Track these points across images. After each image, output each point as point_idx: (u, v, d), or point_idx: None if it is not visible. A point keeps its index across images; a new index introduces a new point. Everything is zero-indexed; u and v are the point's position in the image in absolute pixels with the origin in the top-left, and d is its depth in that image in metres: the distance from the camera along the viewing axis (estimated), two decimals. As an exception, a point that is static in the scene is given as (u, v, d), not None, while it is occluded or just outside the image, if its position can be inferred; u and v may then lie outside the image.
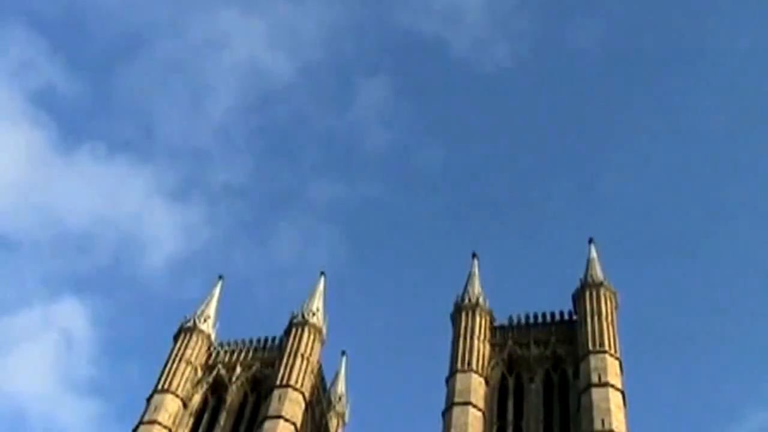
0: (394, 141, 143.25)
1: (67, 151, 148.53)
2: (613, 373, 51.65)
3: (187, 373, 58.79)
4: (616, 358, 52.94)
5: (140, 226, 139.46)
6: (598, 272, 59.23)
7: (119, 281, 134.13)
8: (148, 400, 56.44)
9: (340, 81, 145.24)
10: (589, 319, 55.33)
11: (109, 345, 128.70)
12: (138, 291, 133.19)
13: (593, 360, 52.22)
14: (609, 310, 56.35)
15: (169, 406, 55.90)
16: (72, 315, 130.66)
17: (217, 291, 66.00)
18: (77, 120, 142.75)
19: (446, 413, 51.93)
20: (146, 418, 54.93)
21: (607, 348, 53.06)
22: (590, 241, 62.74)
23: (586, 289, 57.73)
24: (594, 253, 61.15)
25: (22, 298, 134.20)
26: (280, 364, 57.48)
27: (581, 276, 59.28)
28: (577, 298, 57.87)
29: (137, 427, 54.58)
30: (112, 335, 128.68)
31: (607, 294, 57.48)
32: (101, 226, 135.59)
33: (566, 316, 58.66)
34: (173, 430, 55.15)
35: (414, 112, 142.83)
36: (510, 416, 53.18)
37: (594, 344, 53.27)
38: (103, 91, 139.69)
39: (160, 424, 54.48)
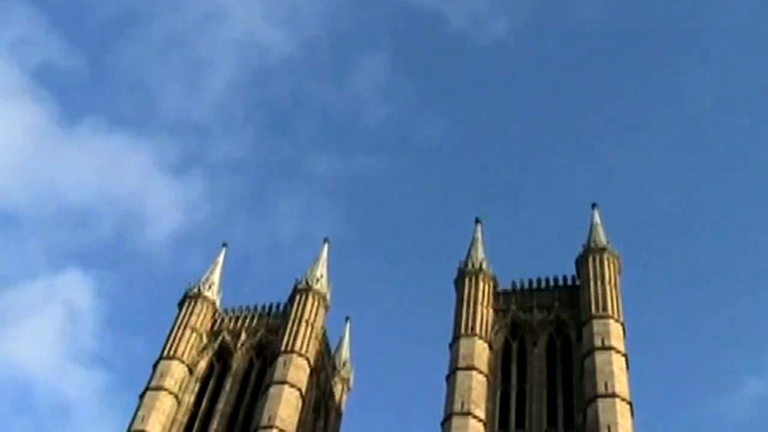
0: (393, 115, 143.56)
1: (67, 126, 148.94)
2: (615, 336, 51.89)
3: (192, 339, 59.16)
4: (619, 322, 53.16)
5: (141, 200, 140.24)
6: (602, 237, 59.31)
7: (121, 254, 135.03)
8: (155, 366, 56.89)
9: (339, 55, 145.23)
10: (592, 284, 55.49)
11: (113, 317, 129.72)
12: (140, 264, 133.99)
13: (596, 324, 52.45)
14: (612, 275, 56.47)
15: (175, 372, 56.35)
16: (76, 288, 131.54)
17: (221, 258, 66.18)
18: (77, 95, 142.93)
19: (450, 378, 52.27)
20: (153, 383, 55.40)
21: (610, 312, 53.27)
22: (593, 206, 62.77)
23: (589, 254, 57.84)
24: (597, 218, 61.17)
25: (26, 272, 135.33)
26: (284, 331, 57.79)
27: (584, 241, 59.37)
28: (581, 263, 57.98)
29: (144, 392, 55.07)
30: (115, 308, 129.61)
31: (610, 259, 57.57)
32: (103, 200, 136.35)
33: (569, 281, 58.82)
34: (179, 395, 55.65)
35: (413, 86, 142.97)
36: (513, 380, 53.52)
37: (597, 308, 53.47)
38: (103, 66, 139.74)
39: (166, 389, 54.96)
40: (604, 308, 53.55)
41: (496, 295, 58.54)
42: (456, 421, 48.97)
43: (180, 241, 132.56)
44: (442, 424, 49.69)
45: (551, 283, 59.17)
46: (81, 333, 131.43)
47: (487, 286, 58.21)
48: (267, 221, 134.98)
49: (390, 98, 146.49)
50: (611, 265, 57.11)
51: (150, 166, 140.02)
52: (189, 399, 56.34)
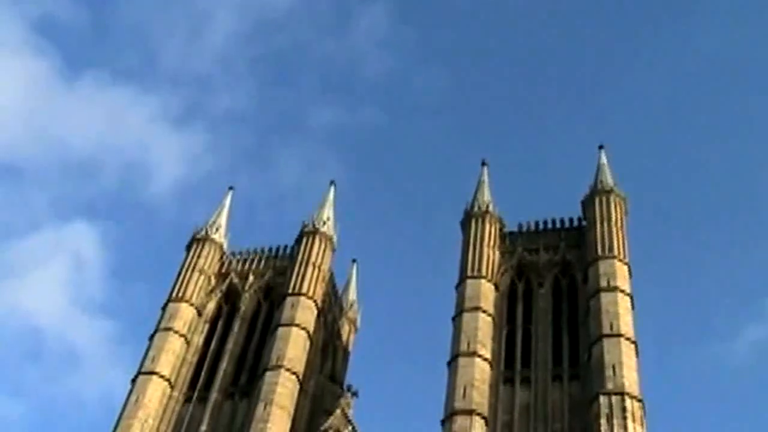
0: (395, 65, 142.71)
1: (70, 79, 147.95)
2: (621, 277, 52.13)
3: (200, 282, 59.59)
4: (625, 263, 53.34)
5: (145, 152, 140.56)
6: (608, 178, 59.21)
7: (126, 206, 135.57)
8: (163, 308, 57.42)
9: (340, 7, 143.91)
10: (598, 225, 55.55)
11: (119, 267, 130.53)
12: (145, 215, 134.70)
13: (602, 265, 52.64)
14: (618, 216, 56.50)
15: (184, 314, 56.89)
16: (81, 238, 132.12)
17: (227, 202, 66.31)
18: (79, 48, 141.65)
19: (456, 319, 52.68)
20: (162, 325, 55.99)
21: (616, 253, 53.40)
22: (600, 147, 62.57)
23: (595, 195, 57.80)
24: (604, 159, 60.99)
25: (32, 223, 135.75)
26: (292, 273, 58.15)
27: (591, 182, 59.31)
28: (587, 204, 57.99)
29: (153, 334, 55.69)
30: (121, 257, 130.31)
31: (617, 200, 57.54)
32: (106, 152, 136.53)
33: (575, 223, 58.87)
34: (188, 337, 56.26)
35: (413, 36, 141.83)
36: (519, 321, 53.89)
37: (603, 250, 53.61)
38: (104, 18, 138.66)
39: (175, 331, 55.54)
40: (610, 249, 53.67)
41: (503, 236, 58.67)
42: (462, 361, 49.46)
43: (184, 192, 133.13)
44: (449, 364, 50.18)
45: (557, 224, 59.22)
46: (88, 283, 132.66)
47: (493, 228, 58.32)
48: (271, 172, 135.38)
49: (391, 49, 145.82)
50: (618, 207, 57.10)
51: (153, 118, 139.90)
52: (198, 340, 56.97)
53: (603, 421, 43.76)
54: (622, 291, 51.19)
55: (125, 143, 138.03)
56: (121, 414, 51.06)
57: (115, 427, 50.27)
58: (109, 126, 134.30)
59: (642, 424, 44.30)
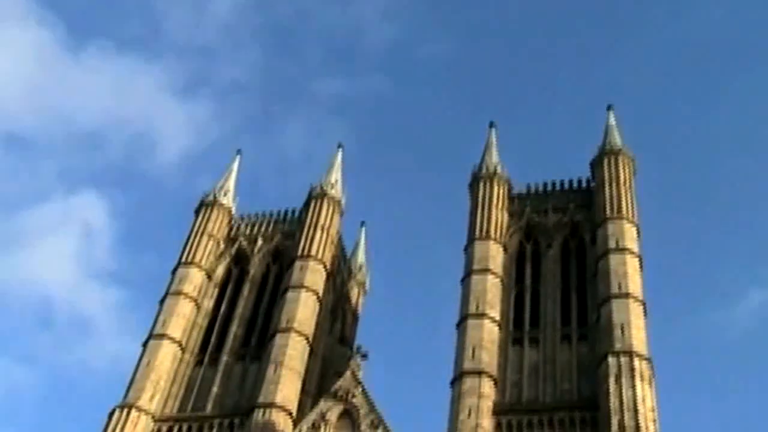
0: (398, 34, 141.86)
1: (75, 49, 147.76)
2: (630, 238, 52.14)
3: (209, 246, 59.76)
4: (634, 224, 53.32)
5: (150, 122, 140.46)
6: (617, 139, 58.99)
7: (133, 176, 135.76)
8: (173, 272, 57.66)
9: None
10: (607, 186, 55.45)
11: (128, 236, 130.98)
12: (152, 184, 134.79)
13: (611, 226, 52.65)
14: (627, 177, 56.38)
15: (194, 278, 57.13)
16: (90, 208, 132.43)
17: (235, 165, 66.26)
18: (83, 18, 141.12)
19: (465, 280, 52.83)
20: (172, 289, 56.24)
21: (624, 214, 53.37)
22: (609, 108, 62.28)
23: (604, 156, 57.63)
24: (612, 120, 60.72)
25: (41, 193, 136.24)
26: (300, 236, 58.29)
27: (599, 143, 59.11)
28: (595, 165, 57.84)
29: (164, 298, 55.99)
30: (130, 227, 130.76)
31: (625, 161, 57.38)
32: (112, 123, 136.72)
33: (584, 184, 58.77)
34: (198, 300, 56.56)
35: (417, 4, 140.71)
36: (528, 282, 54.02)
37: (612, 210, 53.57)
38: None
39: (186, 294, 55.82)
40: (619, 210, 53.64)
41: (511, 198, 58.59)
42: (471, 322, 49.68)
43: (190, 161, 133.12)
44: (458, 325, 50.42)
45: (566, 185, 59.14)
46: (97, 251, 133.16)
47: (501, 190, 58.23)
48: (277, 140, 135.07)
49: (395, 17, 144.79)
50: (626, 167, 56.96)
51: (158, 88, 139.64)
52: (208, 304, 57.27)
53: (611, 380, 44.03)
54: (631, 252, 51.25)
55: (131, 113, 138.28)
56: (133, 377, 51.46)
57: (127, 390, 50.69)
58: (115, 96, 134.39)
59: (650, 384, 44.55)
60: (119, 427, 48.41)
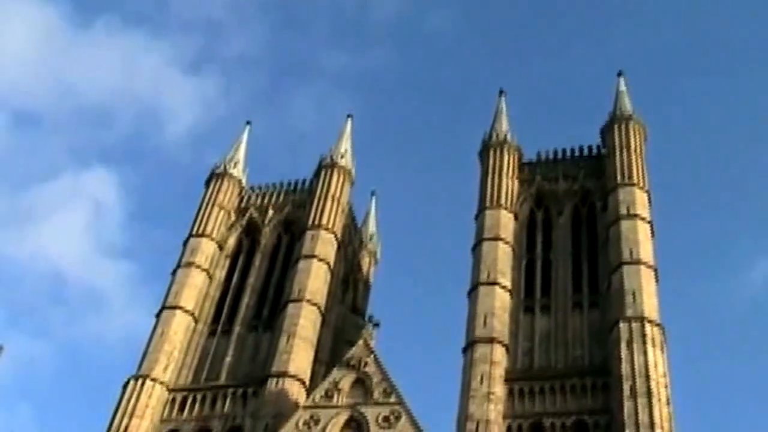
0: (403, 8, 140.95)
1: (81, 25, 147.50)
2: (641, 205, 52.03)
3: (220, 217, 59.87)
4: (645, 191, 53.18)
5: (159, 98, 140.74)
6: (627, 105, 58.67)
7: (143, 151, 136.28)
8: (185, 243, 57.83)
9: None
10: (617, 153, 55.23)
11: (138, 211, 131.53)
12: (161, 160, 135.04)
13: (622, 193, 52.52)
14: (638, 143, 56.12)
15: (206, 249, 57.31)
16: (100, 184, 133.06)
17: (244, 137, 66.17)
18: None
19: (476, 249, 52.85)
20: (184, 260, 56.47)
21: (635, 181, 53.21)
22: (619, 74, 61.92)
23: (614, 122, 57.35)
24: (623, 86, 60.35)
25: (50, 169, 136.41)
26: (311, 206, 58.35)
27: (610, 110, 58.80)
28: (606, 132, 57.57)
29: (176, 269, 56.22)
30: (140, 202, 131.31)
31: (636, 127, 57.08)
32: (120, 99, 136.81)
33: (595, 151, 58.58)
34: (210, 271, 56.76)
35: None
36: (539, 250, 54.03)
37: (622, 177, 53.40)
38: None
39: (197, 265, 56.03)
40: (630, 177, 53.46)
41: (521, 166, 58.45)
42: (482, 290, 49.77)
43: (199, 136, 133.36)
44: (469, 294, 50.52)
45: (576, 152, 58.95)
46: (108, 227, 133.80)
47: (511, 158, 58.07)
48: (285, 114, 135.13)
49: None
50: (637, 134, 56.68)
51: (166, 63, 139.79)
52: (220, 275, 57.48)
53: (623, 346, 44.10)
54: (642, 218, 51.17)
55: (139, 89, 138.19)
56: (147, 348, 51.80)
57: (141, 361, 51.06)
58: (123, 72, 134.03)
59: (662, 350, 44.63)
60: (134, 397, 48.78)
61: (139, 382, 49.51)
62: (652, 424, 40.58)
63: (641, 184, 53.25)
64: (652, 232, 51.20)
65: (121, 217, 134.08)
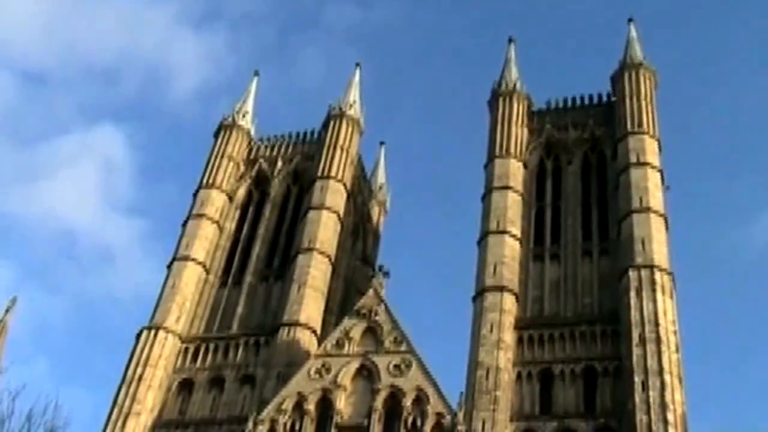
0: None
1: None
2: (651, 152, 51.81)
3: (229, 168, 59.88)
4: (655, 138, 52.89)
5: (166, 55, 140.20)
6: (638, 52, 58.06)
7: (151, 108, 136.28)
8: (194, 195, 57.94)
9: None
10: (627, 100, 54.85)
11: (147, 168, 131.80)
12: (170, 116, 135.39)
13: (632, 140, 52.28)
14: (648, 91, 55.67)
15: (215, 200, 57.43)
16: (109, 141, 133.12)
17: (253, 87, 65.89)
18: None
19: (485, 198, 52.84)
20: (194, 212, 56.61)
21: (645, 128, 52.90)
22: (629, 21, 61.19)
23: (625, 69, 56.84)
24: (633, 33, 59.67)
25: (59, 128, 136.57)
26: (320, 157, 58.28)
27: (620, 57, 58.23)
28: (616, 79, 57.11)
29: (186, 221, 56.39)
30: (149, 159, 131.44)
31: (647, 74, 56.58)
32: (127, 57, 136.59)
33: (605, 99, 58.17)
34: (221, 222, 56.94)
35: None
36: (548, 198, 54.01)
37: (632, 125, 53.10)
38: None
39: (208, 217, 56.20)
40: (640, 124, 53.16)
41: (531, 114, 58.17)
42: (492, 239, 49.88)
43: (207, 93, 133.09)
44: (479, 243, 50.62)
45: (586, 100, 58.62)
46: (118, 183, 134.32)
47: (521, 106, 57.74)
48: (293, 70, 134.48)
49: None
50: (647, 81, 56.20)
51: (172, 21, 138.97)
52: (230, 226, 57.67)
53: (632, 294, 44.31)
54: (652, 166, 51.01)
55: (146, 47, 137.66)
56: (159, 299, 52.18)
57: (154, 312, 51.47)
58: (130, 30, 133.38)
59: (671, 297, 44.81)
60: (147, 347, 49.28)
61: (152, 332, 49.97)
62: (660, 370, 40.91)
63: (651, 132, 52.94)
64: (662, 180, 51.03)
65: (130, 173, 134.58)
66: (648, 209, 48.37)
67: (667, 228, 48.66)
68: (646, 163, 50.88)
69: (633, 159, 51.14)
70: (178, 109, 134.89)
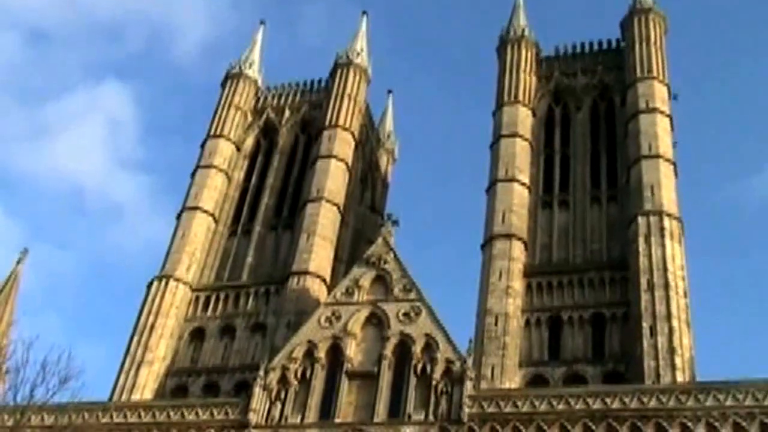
0: None
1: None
2: (660, 98, 51.43)
3: (237, 118, 59.73)
4: (664, 84, 52.49)
5: (169, 13, 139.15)
6: (648, -3, 57.40)
7: (156, 65, 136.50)
8: (202, 145, 57.88)
9: None
10: (637, 46, 54.28)
11: (153, 125, 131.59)
12: (175, 73, 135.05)
13: (641, 86, 51.86)
14: (658, 36, 55.07)
15: (223, 150, 57.38)
16: (115, 98, 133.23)
17: (259, 36, 65.37)
18: None
19: (494, 146, 52.70)
20: (202, 162, 56.62)
21: (655, 74, 52.45)
22: (639, -36, 60.30)
23: (634, 15, 56.16)
24: (643, -23, 58.89)
25: (65, 85, 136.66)
26: (327, 106, 58.05)
27: (630, 2, 57.51)
28: (625, 25, 56.46)
29: (195, 171, 56.42)
30: (155, 115, 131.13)
31: (656, 19, 55.92)
32: (131, 15, 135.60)
33: (614, 45, 57.65)
34: (229, 172, 56.96)
35: None
36: (557, 146, 53.82)
37: (642, 71, 52.63)
38: None
39: (216, 167, 56.21)
40: (649, 70, 52.70)
41: (539, 61, 57.70)
42: (501, 187, 49.86)
43: (211, 49, 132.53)
44: (487, 190, 50.60)
45: (595, 47, 58.11)
46: (125, 140, 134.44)
47: (529, 53, 57.28)
48: (298, 20, 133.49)
49: None
50: (657, 27, 55.58)
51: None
52: (238, 176, 57.71)
53: (641, 240, 44.34)
54: (661, 112, 50.67)
55: (148, 5, 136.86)
56: (169, 249, 52.42)
57: (164, 262, 51.76)
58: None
59: (680, 243, 44.81)
60: (158, 297, 49.65)
61: (163, 282, 50.32)
62: (669, 316, 41.08)
63: (661, 78, 52.50)
64: (672, 126, 50.75)
65: (137, 130, 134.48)
66: (657, 155, 48.15)
67: (676, 174, 48.51)
68: (655, 109, 50.53)
69: (642, 105, 50.78)
70: (183, 66, 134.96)
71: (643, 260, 43.51)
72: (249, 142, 59.46)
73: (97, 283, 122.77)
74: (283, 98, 61.78)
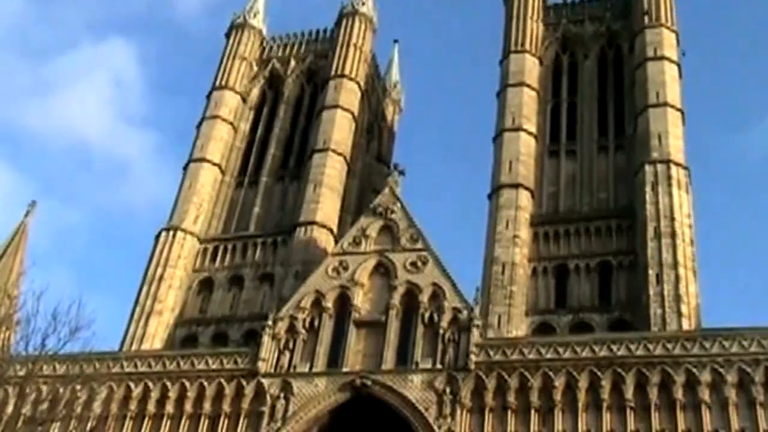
0: None
1: None
2: (668, 45, 50.95)
3: (242, 69, 59.43)
4: (673, 31, 51.91)
5: None
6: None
7: (160, 23, 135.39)
8: (208, 97, 57.68)
9: None
10: (645, -7, 53.67)
11: (158, 81, 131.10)
12: (179, 31, 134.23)
13: (649, 34, 51.33)
14: (666, -19, 54.36)
15: (229, 101, 57.20)
16: (119, 54, 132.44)
17: (263, -14, 64.75)
18: None
19: (501, 94, 52.39)
20: (208, 113, 56.48)
21: (663, 21, 51.86)
22: None
23: (643, -40, 55.42)
24: None
25: (69, 42, 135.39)
26: (333, 56, 57.74)
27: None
28: (634, -30, 55.77)
29: (200, 122, 56.30)
30: (159, 72, 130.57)
31: (665, -35, 55.16)
32: None
33: (622, -9, 57.04)
34: (235, 123, 56.84)
35: None
36: (564, 94, 53.52)
37: (650, 18, 52.01)
38: None
39: (222, 118, 56.07)
40: (657, 17, 52.09)
41: (546, 9, 57.13)
42: (507, 136, 49.67)
43: (214, 4, 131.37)
44: (494, 139, 50.45)
45: (603, -6, 57.47)
46: (130, 97, 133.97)
47: (536, 1, 56.61)
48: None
49: None
50: (666, -26, 54.77)
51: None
52: (245, 127, 57.59)
53: (648, 188, 44.26)
54: (669, 59, 50.19)
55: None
56: (176, 201, 52.55)
57: (172, 214, 51.89)
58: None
59: (687, 191, 44.76)
60: (166, 248, 49.91)
61: (171, 233, 50.55)
62: (675, 264, 41.21)
63: (669, 24, 51.92)
64: (680, 74, 50.36)
65: (141, 87, 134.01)
66: (665, 103, 47.83)
67: (684, 122, 48.25)
68: (663, 57, 50.05)
69: (650, 53, 50.30)
70: (187, 23, 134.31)
71: (650, 208, 43.50)
72: (255, 93, 59.22)
73: (106, 236, 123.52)
74: (288, 48, 61.40)
